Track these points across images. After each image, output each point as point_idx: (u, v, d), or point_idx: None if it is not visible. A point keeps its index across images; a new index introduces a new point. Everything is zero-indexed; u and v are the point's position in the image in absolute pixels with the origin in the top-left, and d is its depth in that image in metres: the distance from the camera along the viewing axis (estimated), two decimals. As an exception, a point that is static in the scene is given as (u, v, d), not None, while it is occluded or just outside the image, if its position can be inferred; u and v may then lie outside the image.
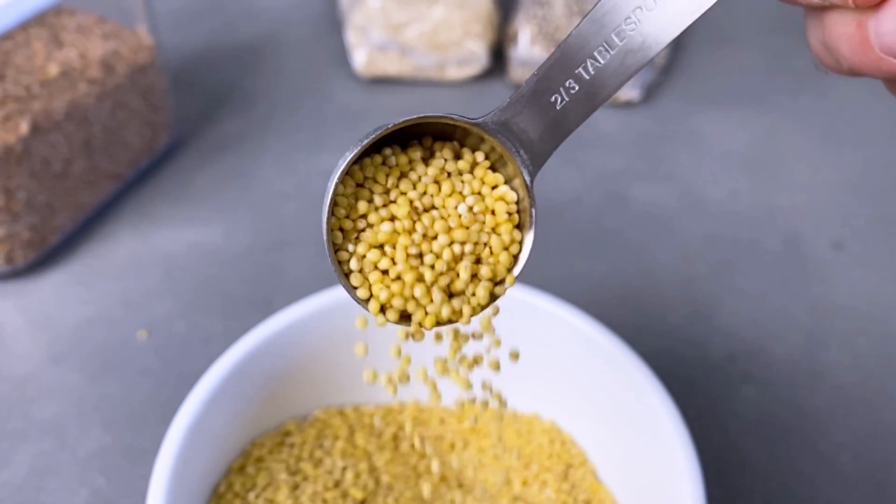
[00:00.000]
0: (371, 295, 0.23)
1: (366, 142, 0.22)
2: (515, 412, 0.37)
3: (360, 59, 0.59)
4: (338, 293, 0.34)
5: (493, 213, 0.23)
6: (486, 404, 0.27)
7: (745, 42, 0.66)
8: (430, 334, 0.24)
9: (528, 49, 0.58)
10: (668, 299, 0.45)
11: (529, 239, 0.23)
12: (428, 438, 0.36)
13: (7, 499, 0.35)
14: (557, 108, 0.22)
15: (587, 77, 0.21)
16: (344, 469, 0.34)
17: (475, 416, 0.27)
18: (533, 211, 0.23)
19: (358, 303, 0.23)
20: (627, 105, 0.59)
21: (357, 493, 0.33)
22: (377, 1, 0.59)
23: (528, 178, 0.23)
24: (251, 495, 0.32)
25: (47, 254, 0.46)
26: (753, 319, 0.44)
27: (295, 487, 0.33)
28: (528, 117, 0.22)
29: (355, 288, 0.23)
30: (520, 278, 0.35)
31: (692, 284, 0.46)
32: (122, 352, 0.41)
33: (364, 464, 0.34)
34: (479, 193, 0.23)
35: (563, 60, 0.21)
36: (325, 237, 0.22)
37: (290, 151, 0.54)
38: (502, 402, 0.27)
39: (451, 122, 0.22)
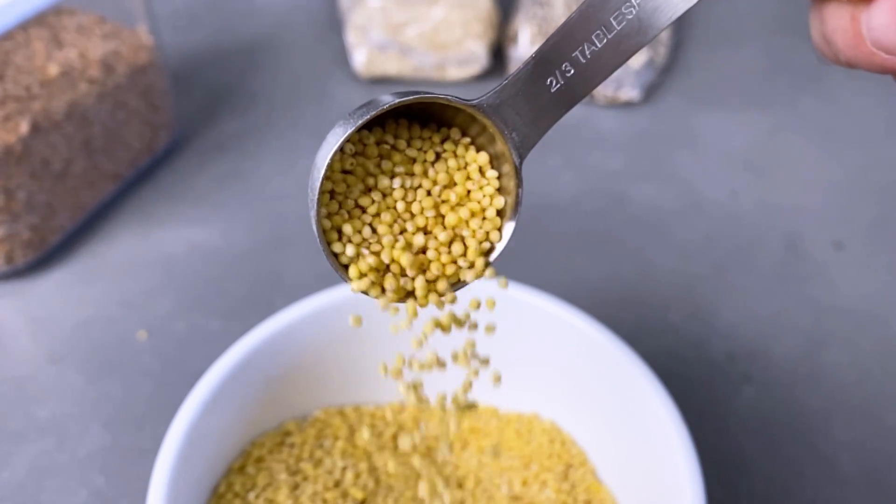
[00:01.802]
0: (355, 267, 0.23)
1: (360, 122, 0.21)
2: (516, 412, 0.37)
3: (360, 59, 0.59)
4: (337, 293, 0.34)
5: (479, 188, 0.23)
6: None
7: (745, 42, 0.66)
8: (423, 320, 0.24)
9: (528, 49, 0.58)
10: (668, 299, 0.45)
11: (513, 223, 0.23)
12: (428, 438, 0.36)
13: (7, 499, 0.35)
14: (552, 91, 0.22)
15: (583, 61, 0.21)
16: (344, 469, 0.34)
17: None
18: (520, 192, 0.23)
19: (342, 278, 0.23)
20: (627, 105, 0.59)
21: (357, 493, 0.33)
22: (377, 1, 0.59)
23: (517, 160, 0.23)
24: (251, 495, 0.32)
25: (47, 254, 0.46)
26: (753, 319, 0.44)
27: (295, 487, 0.33)
28: (523, 100, 0.22)
29: (341, 263, 0.23)
30: (520, 278, 0.35)
31: (692, 284, 0.46)
32: (122, 352, 0.41)
33: (364, 464, 0.34)
34: (468, 174, 0.23)
35: (562, 43, 0.21)
36: (312, 213, 0.22)
37: (290, 151, 0.54)
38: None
39: (446, 103, 0.22)
